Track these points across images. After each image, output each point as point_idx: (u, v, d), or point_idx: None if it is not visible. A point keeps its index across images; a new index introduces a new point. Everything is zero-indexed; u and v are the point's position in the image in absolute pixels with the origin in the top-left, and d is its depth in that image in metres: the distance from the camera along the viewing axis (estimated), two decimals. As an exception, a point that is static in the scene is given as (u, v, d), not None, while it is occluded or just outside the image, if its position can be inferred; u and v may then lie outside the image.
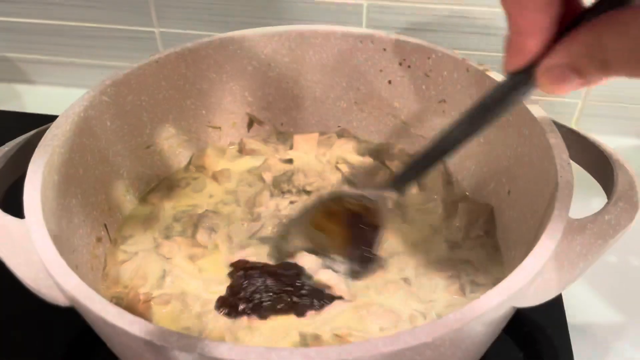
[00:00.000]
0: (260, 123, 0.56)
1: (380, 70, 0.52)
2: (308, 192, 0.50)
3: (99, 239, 0.44)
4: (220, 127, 0.54)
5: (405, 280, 0.42)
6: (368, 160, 0.53)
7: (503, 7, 0.26)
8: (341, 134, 0.56)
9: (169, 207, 0.49)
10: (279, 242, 0.45)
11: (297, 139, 0.54)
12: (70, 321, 0.34)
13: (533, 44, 0.26)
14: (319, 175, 0.52)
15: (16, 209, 0.35)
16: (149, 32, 0.67)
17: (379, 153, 0.54)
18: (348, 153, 0.54)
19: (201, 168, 0.53)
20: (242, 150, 0.54)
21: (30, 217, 0.33)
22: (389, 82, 0.52)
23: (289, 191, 0.50)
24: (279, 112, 0.56)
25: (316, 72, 0.53)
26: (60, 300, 0.32)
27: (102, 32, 0.68)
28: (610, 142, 0.41)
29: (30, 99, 0.73)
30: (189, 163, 0.53)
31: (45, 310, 0.34)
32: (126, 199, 0.49)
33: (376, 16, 0.61)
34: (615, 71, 0.24)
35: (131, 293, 0.42)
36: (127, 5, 0.65)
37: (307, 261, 0.43)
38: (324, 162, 0.53)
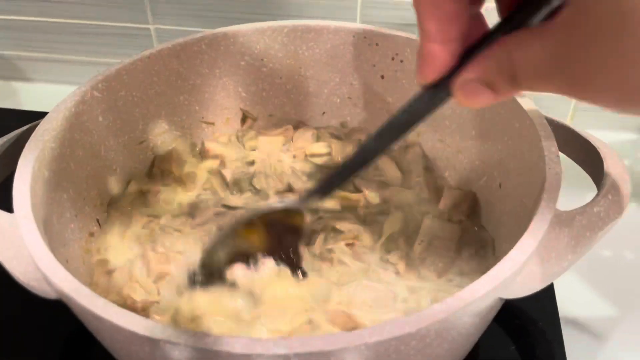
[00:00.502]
0: (254, 119, 0.56)
1: (374, 65, 0.52)
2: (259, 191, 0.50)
3: (91, 234, 0.44)
4: (213, 123, 0.55)
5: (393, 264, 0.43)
6: (335, 144, 0.53)
7: (415, 9, 0.27)
8: (297, 126, 0.56)
9: (138, 216, 0.48)
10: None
11: (262, 140, 0.54)
12: (66, 317, 0.35)
13: (444, 54, 0.27)
14: (282, 174, 0.52)
15: (9, 204, 0.35)
16: (144, 29, 0.67)
17: (343, 135, 0.55)
18: (309, 143, 0.54)
19: (167, 172, 0.51)
20: (203, 154, 0.53)
21: (19, 211, 0.34)
22: (382, 77, 0.52)
23: (250, 190, 0.50)
24: (273, 107, 0.55)
25: (309, 67, 0.53)
26: (49, 293, 0.32)
27: (97, 29, 0.68)
28: (605, 136, 0.41)
29: (26, 96, 0.73)
30: (152, 165, 0.51)
31: (42, 307, 0.34)
32: (118, 195, 0.49)
33: (370, 12, 0.61)
34: (524, 86, 0.25)
35: (128, 301, 0.41)
36: (122, 2, 0.65)
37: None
38: (288, 158, 0.53)
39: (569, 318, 0.45)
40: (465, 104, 0.27)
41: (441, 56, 0.27)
